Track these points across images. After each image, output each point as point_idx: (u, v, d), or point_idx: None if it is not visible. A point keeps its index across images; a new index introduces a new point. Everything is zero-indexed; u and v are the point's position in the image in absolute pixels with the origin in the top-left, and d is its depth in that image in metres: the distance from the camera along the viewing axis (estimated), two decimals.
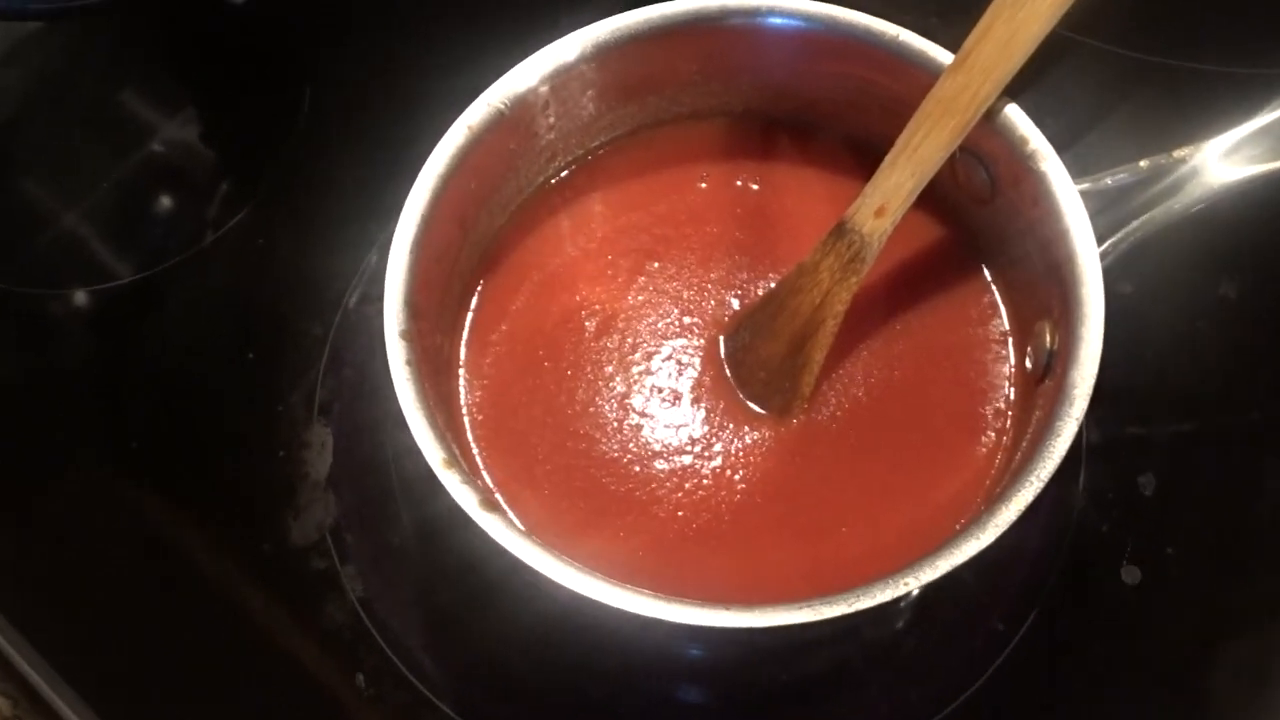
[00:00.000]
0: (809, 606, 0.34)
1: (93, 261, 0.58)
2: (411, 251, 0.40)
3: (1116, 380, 0.49)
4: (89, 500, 0.50)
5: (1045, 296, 0.41)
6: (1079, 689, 0.44)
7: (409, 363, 0.39)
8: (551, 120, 0.46)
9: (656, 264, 0.48)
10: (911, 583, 0.34)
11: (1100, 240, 0.40)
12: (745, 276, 0.47)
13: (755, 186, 0.49)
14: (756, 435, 0.44)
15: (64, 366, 0.54)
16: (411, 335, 0.40)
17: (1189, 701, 0.44)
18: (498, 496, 0.43)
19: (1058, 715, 0.44)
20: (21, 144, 0.63)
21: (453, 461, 0.37)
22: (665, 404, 0.45)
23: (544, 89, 0.44)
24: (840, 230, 0.42)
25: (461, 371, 0.45)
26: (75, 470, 0.51)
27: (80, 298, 0.56)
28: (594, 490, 0.43)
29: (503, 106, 0.44)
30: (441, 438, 0.38)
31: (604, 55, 0.45)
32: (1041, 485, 0.35)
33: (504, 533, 0.36)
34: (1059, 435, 0.36)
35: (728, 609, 0.34)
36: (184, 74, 0.66)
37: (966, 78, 0.40)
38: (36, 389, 0.54)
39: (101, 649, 0.47)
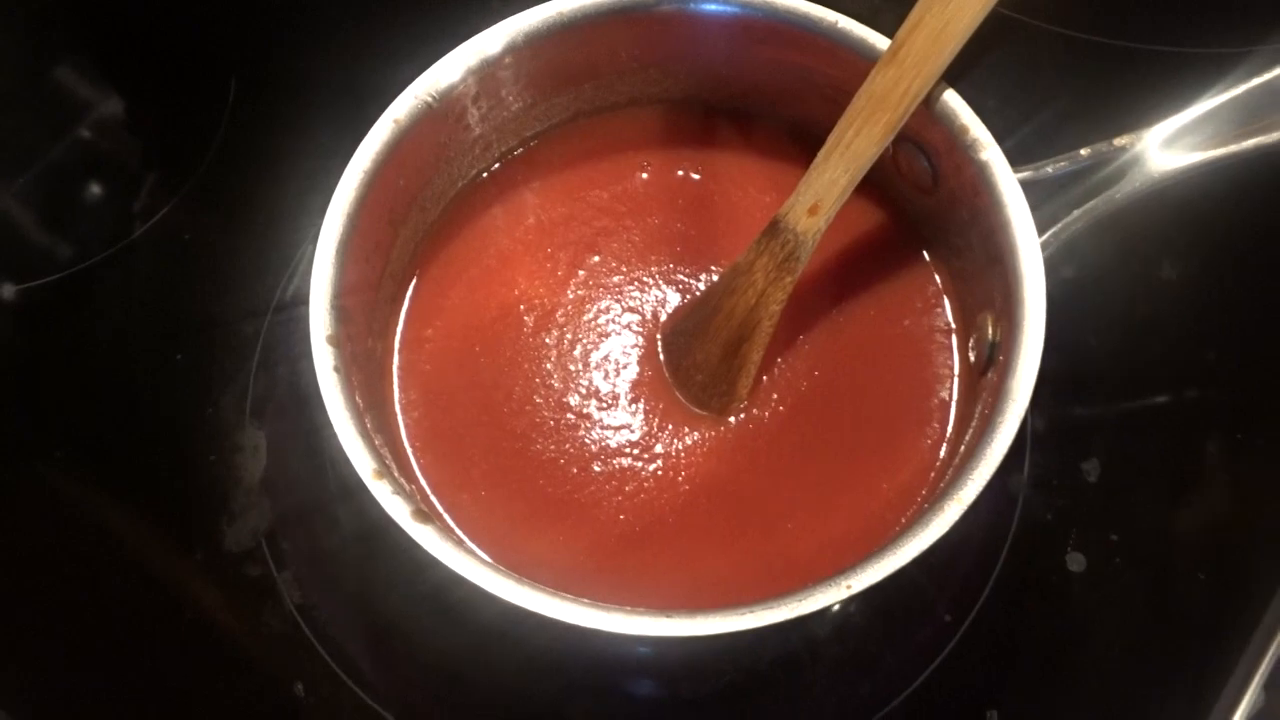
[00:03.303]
0: (751, 612, 0.34)
1: (16, 256, 0.55)
2: (338, 253, 0.39)
3: (1059, 366, 0.49)
4: (8, 507, 0.49)
5: (988, 287, 0.41)
6: (1026, 677, 0.45)
7: (336, 369, 0.37)
8: (483, 111, 0.45)
9: (596, 257, 0.47)
10: (854, 586, 0.34)
11: (1042, 230, 0.40)
12: (687, 270, 0.46)
13: (696, 176, 0.48)
14: (697, 436, 0.43)
15: None
16: (339, 340, 0.38)
17: (1135, 689, 0.44)
18: (434, 500, 0.42)
19: (1005, 703, 0.44)
20: None
21: (384, 471, 0.36)
22: (604, 404, 0.44)
23: (472, 80, 0.43)
24: (774, 229, 0.41)
25: (395, 371, 0.44)
26: None
27: (3, 293, 0.54)
28: (532, 493, 0.42)
29: (430, 99, 0.42)
30: (372, 446, 0.37)
31: (535, 44, 0.43)
32: (983, 484, 0.35)
33: (438, 544, 0.35)
34: (1000, 433, 0.36)
35: (669, 616, 0.34)
36: (108, 61, 0.63)
37: (898, 71, 0.39)
38: None
39: (25, 663, 0.46)
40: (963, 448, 0.39)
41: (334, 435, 0.44)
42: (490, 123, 0.45)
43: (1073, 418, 0.49)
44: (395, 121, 0.41)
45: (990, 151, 0.40)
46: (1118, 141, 0.40)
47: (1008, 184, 0.39)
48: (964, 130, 0.40)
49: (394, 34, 0.52)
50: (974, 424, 0.39)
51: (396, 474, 0.37)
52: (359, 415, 0.37)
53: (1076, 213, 0.40)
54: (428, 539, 0.35)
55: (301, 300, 0.51)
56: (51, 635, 0.46)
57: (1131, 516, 0.47)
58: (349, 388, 0.37)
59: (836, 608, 0.46)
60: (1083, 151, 0.40)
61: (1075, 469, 0.47)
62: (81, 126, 0.59)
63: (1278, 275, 0.51)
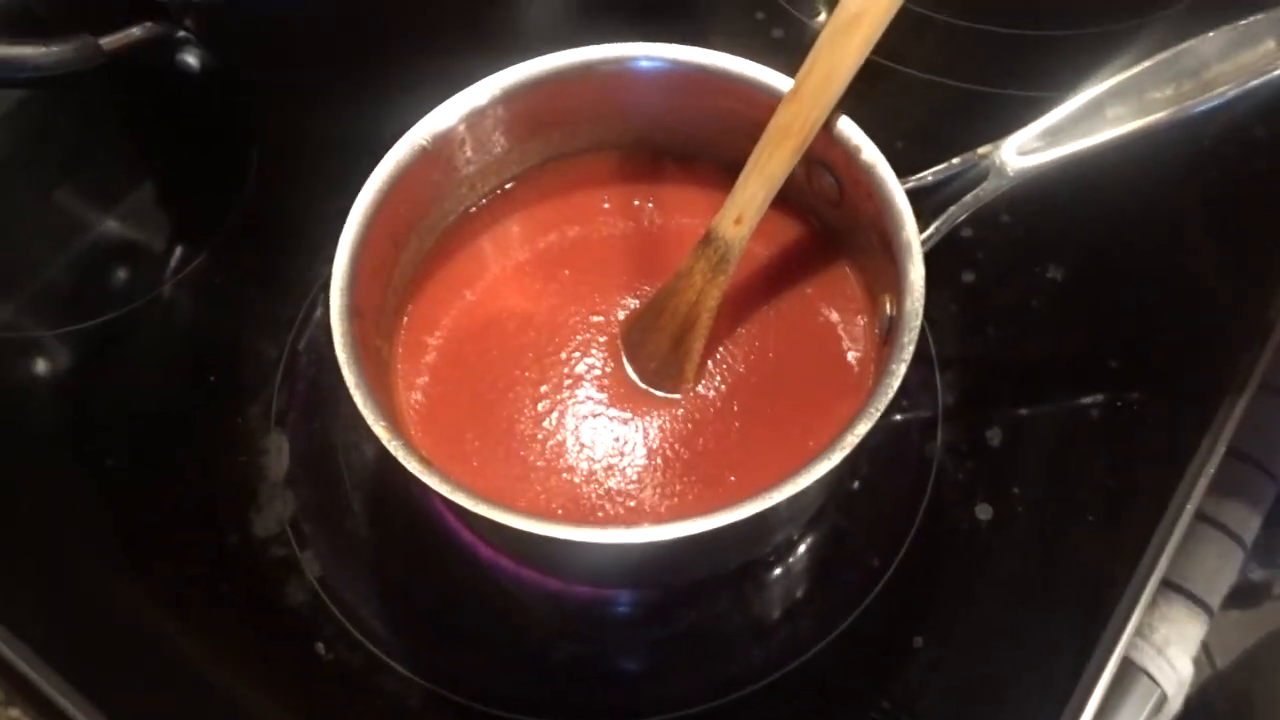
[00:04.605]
0: (699, 520, 0.41)
1: (57, 308, 0.64)
2: (351, 261, 0.47)
3: (966, 353, 0.58)
4: (71, 511, 0.56)
5: (886, 275, 0.49)
6: (946, 607, 0.52)
7: (352, 351, 0.45)
8: (469, 154, 0.54)
9: (568, 272, 0.55)
10: (775, 497, 0.41)
11: (929, 222, 0.48)
12: (642, 279, 0.55)
13: (650, 205, 0.58)
14: (652, 412, 0.51)
15: (42, 397, 0.61)
16: (353, 331, 0.46)
17: (1035, 615, 0.51)
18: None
19: (929, 630, 0.51)
20: None
21: (394, 432, 0.44)
22: (574, 390, 0.52)
23: (461, 127, 0.52)
24: (707, 238, 0.50)
25: (399, 368, 0.52)
26: (58, 486, 0.57)
27: (53, 338, 0.63)
28: (516, 463, 0.50)
29: (425, 143, 0.51)
30: (384, 414, 0.44)
31: (510, 97, 0.53)
32: (877, 417, 0.43)
33: (441, 483, 0.42)
34: (893, 375, 0.44)
35: (632, 528, 0.41)
36: (143, 146, 0.73)
37: (799, 106, 0.48)
38: (14, 416, 0.60)
39: (90, 637, 0.53)
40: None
41: (348, 431, 0.52)
42: (475, 165, 0.55)
43: (977, 395, 0.57)
44: (397, 161, 0.50)
45: (880, 165, 0.49)
46: (980, 151, 0.49)
47: (894, 188, 0.48)
48: (858, 150, 0.49)
49: (392, 99, 0.60)
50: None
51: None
52: (371, 391, 0.45)
53: (954, 208, 0.49)
54: (434, 480, 0.42)
55: (318, 327, 0.61)
56: (106, 614, 0.53)
57: (1029, 473, 0.54)
58: (362, 368, 0.46)
59: (781, 558, 0.53)
60: (954, 160, 0.49)
61: (981, 436, 0.55)
62: (113, 215, 0.69)
63: (1130, 265, 0.61)
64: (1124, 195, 0.60)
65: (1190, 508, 0.54)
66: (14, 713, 0.49)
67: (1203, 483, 0.55)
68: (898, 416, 0.57)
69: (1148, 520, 0.53)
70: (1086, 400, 0.56)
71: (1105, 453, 0.55)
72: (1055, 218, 0.61)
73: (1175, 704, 0.61)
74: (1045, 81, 0.65)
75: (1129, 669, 0.58)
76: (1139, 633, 0.54)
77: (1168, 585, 0.59)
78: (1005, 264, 0.60)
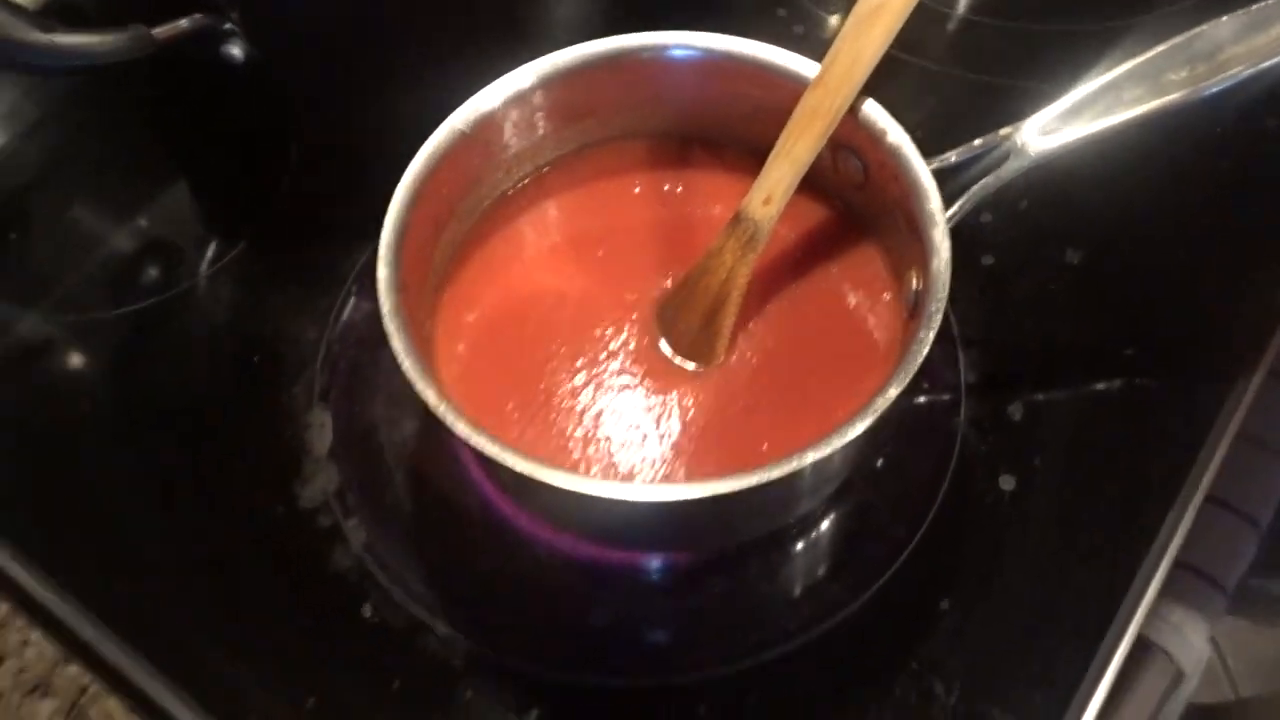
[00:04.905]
0: (734, 478, 0.43)
1: (112, 294, 0.66)
2: (395, 238, 0.49)
3: (986, 334, 0.60)
4: (124, 483, 0.58)
5: (911, 252, 0.51)
6: (971, 573, 0.53)
7: (399, 322, 0.47)
8: (507, 139, 0.56)
9: (601, 254, 0.58)
10: (806, 459, 0.43)
11: (952, 200, 0.50)
12: (672, 262, 0.57)
13: (680, 190, 0.60)
14: (686, 385, 0.53)
15: (94, 377, 0.63)
16: (399, 304, 0.48)
17: (1056, 581, 0.53)
18: None
19: (951, 599, 0.52)
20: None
21: (442, 397, 0.45)
22: (610, 365, 0.54)
23: (500, 112, 0.54)
24: (737, 219, 0.52)
25: (439, 344, 0.54)
26: (110, 461, 0.59)
27: (102, 322, 0.65)
28: (556, 434, 0.52)
29: (464, 128, 0.53)
30: (432, 383, 0.46)
31: (549, 83, 0.55)
32: (907, 380, 0.44)
33: (491, 446, 0.44)
34: (922, 343, 0.45)
35: (668, 486, 0.43)
36: (184, 140, 0.75)
37: (824, 91, 0.50)
38: (71, 393, 0.62)
39: (143, 599, 0.55)
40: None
41: (389, 406, 0.54)
42: (513, 150, 0.57)
43: (999, 372, 0.58)
44: (438, 143, 0.52)
45: (906, 146, 0.51)
46: (1002, 132, 0.51)
47: (920, 167, 0.50)
48: (883, 132, 0.51)
49: (429, 89, 0.62)
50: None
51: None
52: (419, 358, 0.47)
53: (976, 188, 0.50)
54: (482, 441, 0.44)
55: (356, 310, 0.63)
56: (164, 581, 0.55)
57: (1050, 446, 0.56)
58: (410, 338, 0.48)
59: (810, 527, 0.55)
60: (976, 141, 0.51)
61: (1003, 411, 0.57)
62: (151, 210, 0.71)
63: (1144, 251, 0.63)
64: (1139, 183, 0.62)
65: (1204, 486, 0.56)
66: (72, 670, 0.51)
67: (1215, 465, 0.57)
68: (922, 399, 0.59)
69: (1163, 500, 0.54)
70: (1104, 377, 0.58)
71: (1123, 427, 0.57)
72: (1073, 204, 0.63)
73: (1193, 682, 0.63)
74: (1056, 75, 0.66)
75: (1146, 646, 0.60)
76: (1155, 611, 0.56)
77: (1183, 566, 0.61)
78: (1024, 248, 0.62)
